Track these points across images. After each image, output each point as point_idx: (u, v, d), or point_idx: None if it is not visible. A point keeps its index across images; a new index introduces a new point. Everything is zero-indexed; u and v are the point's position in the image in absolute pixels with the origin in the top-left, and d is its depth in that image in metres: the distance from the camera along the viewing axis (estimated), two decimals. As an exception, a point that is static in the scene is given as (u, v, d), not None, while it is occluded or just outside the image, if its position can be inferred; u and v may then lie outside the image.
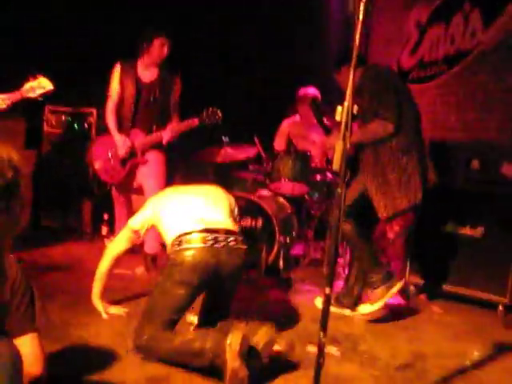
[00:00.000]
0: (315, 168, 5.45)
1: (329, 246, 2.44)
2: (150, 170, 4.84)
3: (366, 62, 4.43)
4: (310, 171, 5.37)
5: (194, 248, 3.11)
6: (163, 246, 3.80)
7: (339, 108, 2.37)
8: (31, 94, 3.99)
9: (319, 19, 7.37)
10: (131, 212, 4.52)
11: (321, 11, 7.39)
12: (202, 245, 3.11)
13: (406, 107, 3.95)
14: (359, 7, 2.39)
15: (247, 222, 5.11)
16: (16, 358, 1.90)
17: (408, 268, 4.78)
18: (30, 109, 5.54)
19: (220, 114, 4.72)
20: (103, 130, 5.15)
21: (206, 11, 6.80)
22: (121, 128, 4.83)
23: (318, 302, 4.18)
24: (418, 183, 3.92)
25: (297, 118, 6.17)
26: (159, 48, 4.74)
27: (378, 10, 6.74)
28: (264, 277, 4.95)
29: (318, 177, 5.37)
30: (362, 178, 4.03)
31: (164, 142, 4.79)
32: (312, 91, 5.87)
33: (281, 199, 5.53)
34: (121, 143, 4.77)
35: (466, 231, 4.48)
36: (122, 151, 4.77)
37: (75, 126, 6.36)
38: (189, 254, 3.09)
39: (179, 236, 3.17)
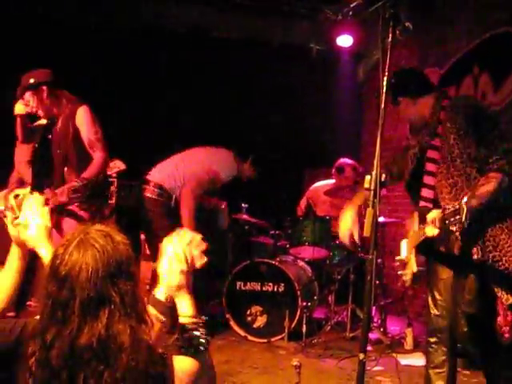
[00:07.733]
0: (336, 232, 5.49)
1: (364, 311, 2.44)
2: None
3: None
4: (331, 235, 5.42)
5: None
6: None
7: (367, 176, 2.45)
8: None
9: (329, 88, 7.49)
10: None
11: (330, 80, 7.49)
12: None
13: None
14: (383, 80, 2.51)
15: (269, 287, 5.14)
16: None
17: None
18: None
19: None
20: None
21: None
22: None
23: None
24: None
25: (329, 182, 6.19)
26: None
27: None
28: (287, 342, 4.94)
29: (339, 241, 5.39)
30: None
31: None
32: (350, 161, 5.96)
33: (302, 263, 5.57)
34: None
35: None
36: None
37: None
38: None
39: None
